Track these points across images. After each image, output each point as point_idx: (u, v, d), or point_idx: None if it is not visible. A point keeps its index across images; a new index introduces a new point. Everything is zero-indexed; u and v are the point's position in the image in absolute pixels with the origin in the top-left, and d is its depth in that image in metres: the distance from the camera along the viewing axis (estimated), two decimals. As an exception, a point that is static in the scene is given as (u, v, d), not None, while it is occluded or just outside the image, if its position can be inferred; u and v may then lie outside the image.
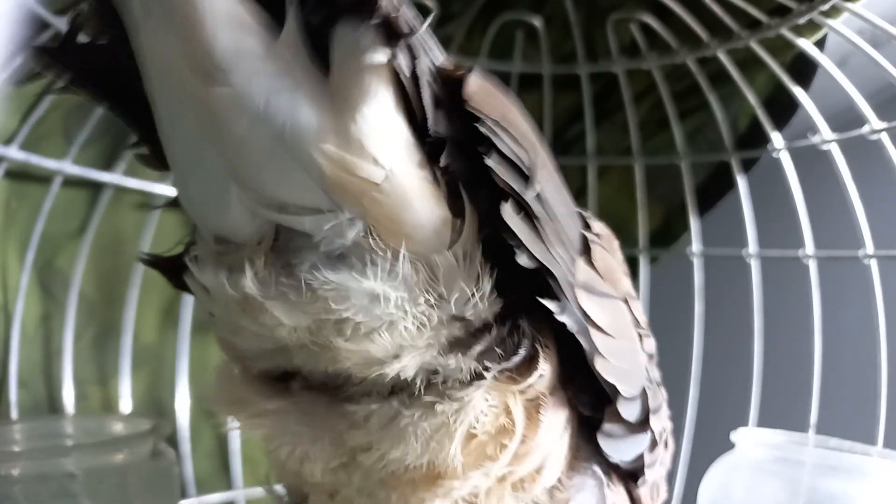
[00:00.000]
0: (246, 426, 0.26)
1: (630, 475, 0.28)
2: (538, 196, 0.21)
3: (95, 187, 0.46)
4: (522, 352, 0.23)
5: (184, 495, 0.46)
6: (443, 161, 0.21)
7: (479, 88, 0.21)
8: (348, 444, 0.24)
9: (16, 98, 0.40)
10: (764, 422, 0.45)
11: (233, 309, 0.22)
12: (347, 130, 0.19)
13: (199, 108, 0.19)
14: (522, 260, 0.21)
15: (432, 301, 0.22)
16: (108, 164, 0.45)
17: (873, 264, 0.40)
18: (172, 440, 0.46)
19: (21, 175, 0.43)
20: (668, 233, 0.57)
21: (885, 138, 0.39)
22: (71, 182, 0.44)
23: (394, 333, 0.22)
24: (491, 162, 0.20)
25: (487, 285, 0.22)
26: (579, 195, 0.55)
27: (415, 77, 0.20)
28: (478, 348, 0.22)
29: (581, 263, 0.23)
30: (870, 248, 0.40)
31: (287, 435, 0.25)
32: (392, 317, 0.21)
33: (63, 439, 0.41)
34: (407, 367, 0.22)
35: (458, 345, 0.23)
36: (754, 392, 0.47)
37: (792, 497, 0.34)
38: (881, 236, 0.40)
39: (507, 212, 0.21)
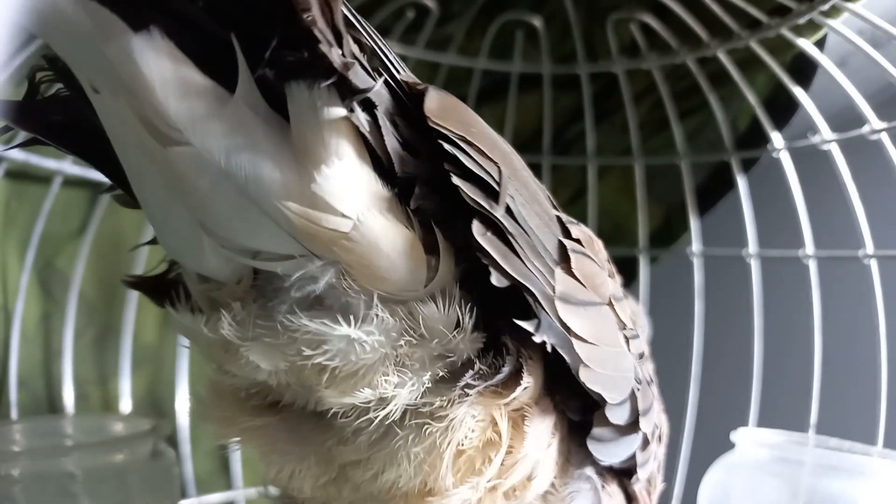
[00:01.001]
0: (236, 440, 0.26)
1: (625, 472, 0.28)
2: (509, 210, 0.21)
3: (95, 187, 0.46)
4: (506, 369, 0.23)
5: (184, 495, 0.46)
6: (413, 203, 0.20)
7: (440, 104, 0.20)
8: (337, 460, 0.24)
9: (16, 97, 0.40)
10: (764, 422, 0.45)
11: (215, 350, 0.22)
12: (310, 186, 0.19)
13: (162, 166, 0.19)
14: (495, 279, 0.21)
15: (414, 342, 0.21)
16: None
17: (873, 264, 0.40)
18: (172, 440, 0.46)
19: (21, 175, 0.43)
20: (668, 233, 0.57)
21: (885, 138, 0.39)
22: (71, 182, 0.44)
23: (374, 382, 0.21)
24: (457, 180, 0.20)
25: (469, 323, 0.22)
26: (579, 195, 0.55)
27: (376, 126, 0.20)
28: (461, 384, 0.22)
29: (560, 273, 0.23)
30: (870, 248, 0.40)
31: (275, 453, 0.25)
32: (370, 360, 0.21)
33: (63, 439, 0.41)
34: (393, 409, 0.22)
35: (442, 382, 0.22)
36: (754, 392, 0.46)
37: (792, 497, 0.34)
38: (881, 236, 0.40)
39: (478, 230, 0.20)
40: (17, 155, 0.41)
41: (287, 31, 0.18)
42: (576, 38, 0.51)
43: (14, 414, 0.42)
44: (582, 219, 0.36)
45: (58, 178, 0.43)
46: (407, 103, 0.20)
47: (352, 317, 0.21)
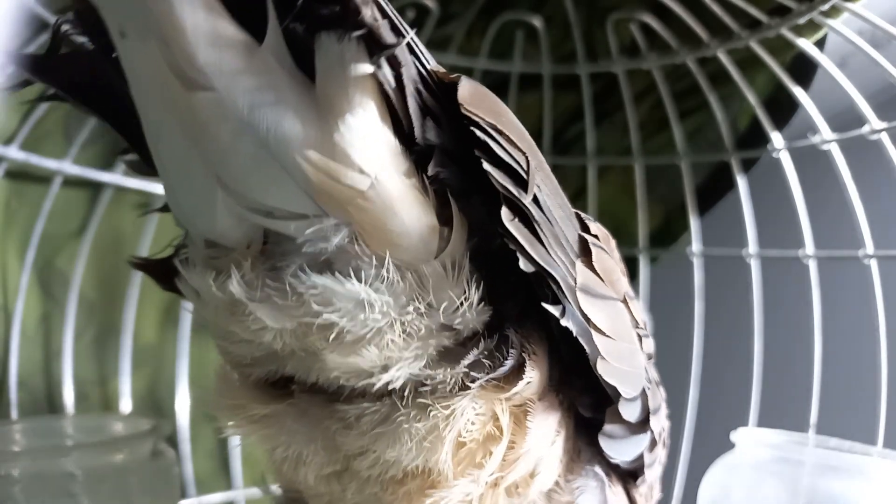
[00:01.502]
0: (244, 430, 0.26)
1: (629, 474, 0.28)
2: (536, 199, 0.21)
3: (95, 187, 0.46)
4: (510, 362, 0.23)
5: (184, 495, 0.46)
6: (430, 170, 0.21)
7: (473, 92, 0.21)
8: (342, 449, 0.24)
9: (16, 97, 0.40)
10: (764, 422, 0.45)
11: (221, 313, 0.22)
12: (332, 139, 0.19)
13: (183, 113, 0.19)
14: (523, 265, 0.21)
15: (421, 309, 0.22)
16: (108, 164, 0.45)
17: (873, 264, 0.40)
18: (172, 440, 0.46)
19: (21, 175, 0.43)
20: (668, 233, 0.57)
21: (885, 138, 0.39)
22: (71, 182, 0.44)
23: (380, 345, 0.21)
24: (488, 166, 0.20)
25: (476, 295, 0.22)
26: (579, 195, 0.55)
27: (400, 87, 0.20)
28: (466, 361, 0.22)
29: (581, 266, 0.23)
30: (870, 248, 0.40)
31: (283, 435, 0.25)
32: (377, 323, 0.21)
33: (63, 439, 0.41)
34: (395, 378, 0.22)
35: (446, 356, 0.23)
36: (754, 392, 0.46)
37: (792, 497, 0.34)
38: (881, 236, 0.40)
39: (506, 216, 0.21)
40: (17, 155, 0.41)
41: None
42: (576, 38, 0.51)
43: (14, 414, 0.42)
44: (582, 219, 0.36)
45: (58, 178, 0.43)
46: (431, 83, 0.20)
47: (362, 273, 0.21)
